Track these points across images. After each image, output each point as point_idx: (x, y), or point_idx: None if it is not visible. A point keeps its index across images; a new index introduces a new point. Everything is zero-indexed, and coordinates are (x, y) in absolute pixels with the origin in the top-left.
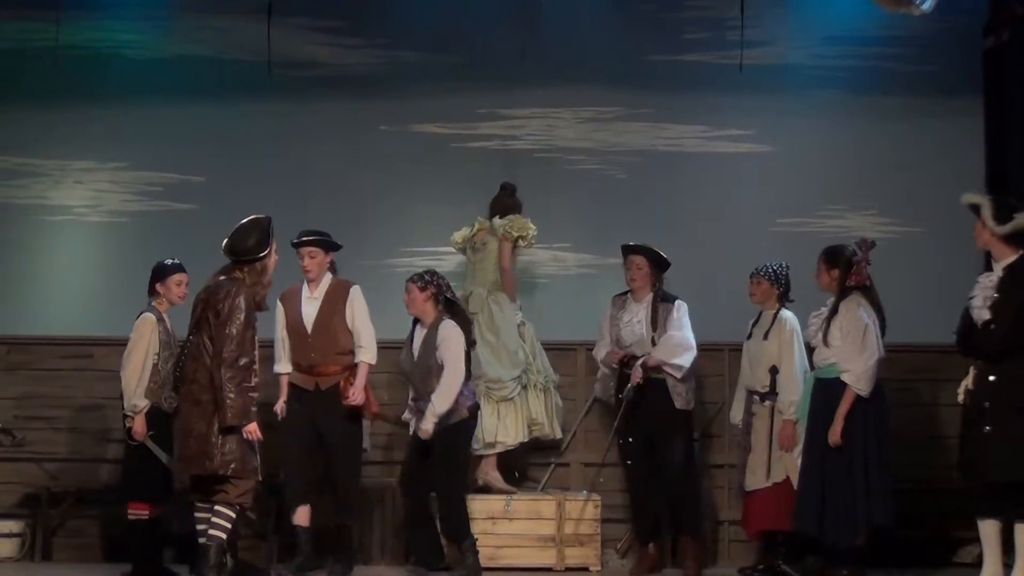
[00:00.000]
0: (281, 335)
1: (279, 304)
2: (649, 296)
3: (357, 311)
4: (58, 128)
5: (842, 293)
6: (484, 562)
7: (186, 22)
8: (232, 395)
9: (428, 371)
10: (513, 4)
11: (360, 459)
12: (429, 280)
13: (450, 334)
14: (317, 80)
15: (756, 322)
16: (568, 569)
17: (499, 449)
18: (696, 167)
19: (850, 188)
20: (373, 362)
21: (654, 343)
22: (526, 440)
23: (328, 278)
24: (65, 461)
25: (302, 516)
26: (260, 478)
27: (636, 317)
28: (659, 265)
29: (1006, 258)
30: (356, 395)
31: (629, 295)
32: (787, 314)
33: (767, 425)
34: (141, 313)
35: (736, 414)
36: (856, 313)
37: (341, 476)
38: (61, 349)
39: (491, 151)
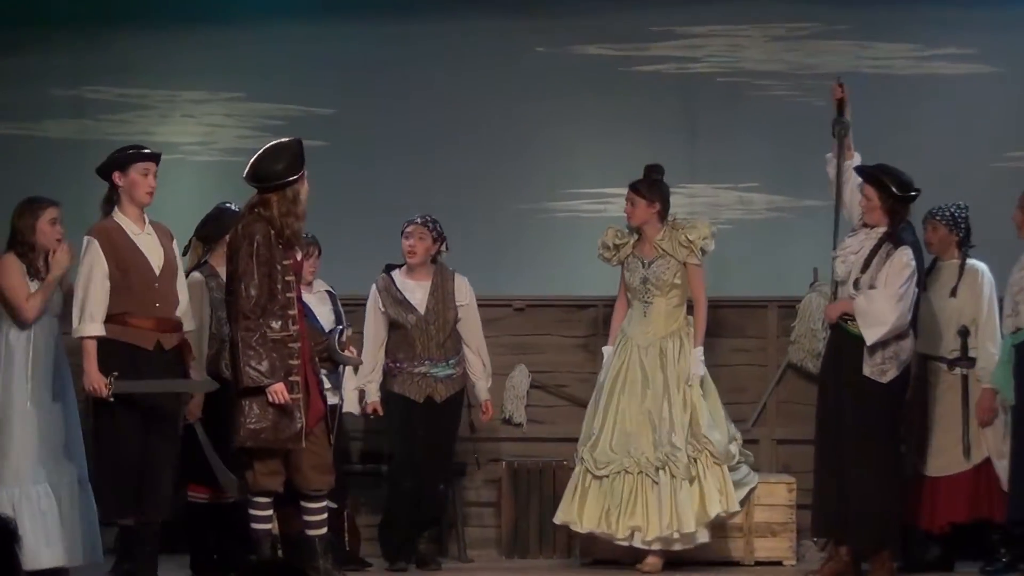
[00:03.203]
0: (100, 285)
1: (94, 243)
2: (882, 230)
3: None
4: (164, 54)
5: None
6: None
7: None
8: (250, 351)
9: (445, 325)
10: None
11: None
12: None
13: (471, 289)
14: None
15: (929, 272)
16: (759, 563)
17: None
18: (907, 92)
19: None
20: None
21: (857, 286)
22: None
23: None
24: None
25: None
26: (303, 445)
27: (854, 248)
28: (893, 198)
29: None
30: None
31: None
32: (979, 265)
33: (958, 397)
34: (189, 272)
35: None
36: None
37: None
38: None
39: (666, 76)
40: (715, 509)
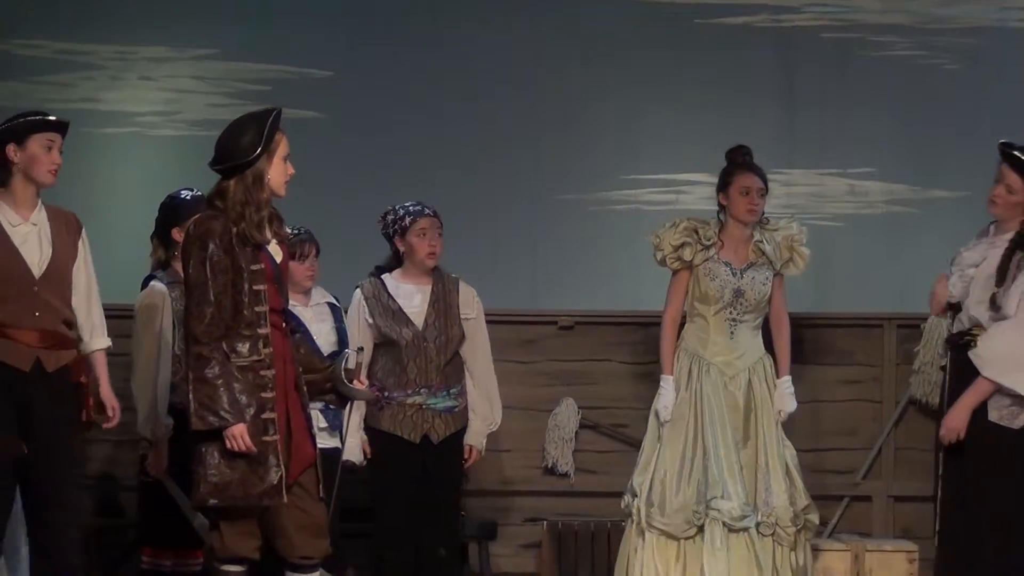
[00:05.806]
0: None
1: None
2: (1011, 235)
3: (89, 263)
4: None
5: None
6: None
7: None
8: (203, 386)
9: (448, 344)
10: None
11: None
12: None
13: (479, 301)
14: None
15: None
16: None
17: None
18: None
19: None
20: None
21: (995, 304)
22: None
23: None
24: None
25: None
26: (283, 500)
27: (973, 260)
28: None
29: None
30: (114, 414)
31: (993, 225)
32: None
33: None
34: (147, 282)
35: None
36: None
37: (61, 508)
38: (112, 325)
39: (756, 30)
40: None
